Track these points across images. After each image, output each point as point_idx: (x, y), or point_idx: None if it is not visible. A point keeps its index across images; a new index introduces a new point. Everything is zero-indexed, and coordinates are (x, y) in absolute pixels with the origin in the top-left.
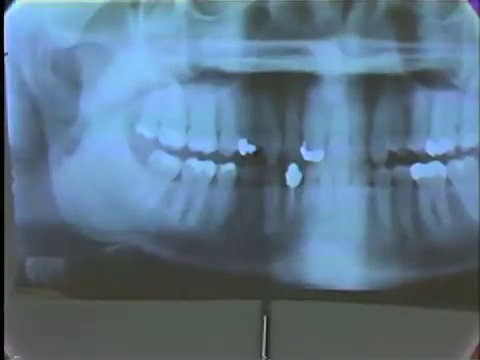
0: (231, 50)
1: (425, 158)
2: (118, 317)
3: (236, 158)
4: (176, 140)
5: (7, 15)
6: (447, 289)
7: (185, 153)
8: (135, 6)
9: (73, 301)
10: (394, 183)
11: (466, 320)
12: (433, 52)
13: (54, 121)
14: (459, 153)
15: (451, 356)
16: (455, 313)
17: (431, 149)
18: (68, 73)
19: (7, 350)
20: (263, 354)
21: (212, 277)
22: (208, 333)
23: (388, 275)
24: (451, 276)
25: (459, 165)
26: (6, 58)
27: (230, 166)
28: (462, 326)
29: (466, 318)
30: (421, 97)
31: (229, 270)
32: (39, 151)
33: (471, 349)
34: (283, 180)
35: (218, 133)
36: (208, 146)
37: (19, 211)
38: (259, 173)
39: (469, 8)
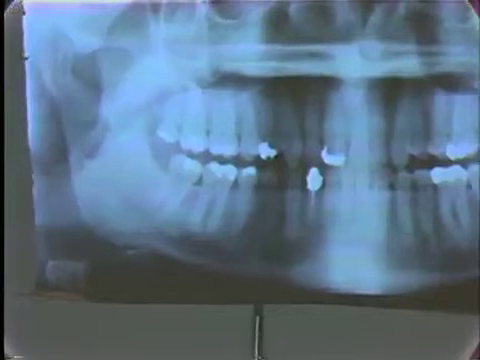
0: (251, 54)
1: (445, 162)
2: (138, 320)
3: (257, 162)
4: (197, 144)
5: (25, 19)
6: (468, 293)
7: (206, 157)
8: (156, 10)
9: (92, 304)
10: (414, 187)
11: (466, 320)
12: (453, 55)
13: (75, 125)
14: None
15: (451, 356)
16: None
17: (451, 153)
18: (89, 77)
19: (7, 350)
20: (256, 354)
21: (232, 281)
22: (203, 333)
23: (408, 279)
24: (472, 280)
25: None
26: (26, 62)
27: (251, 170)
28: (462, 326)
29: (466, 318)
30: (441, 100)
31: (249, 274)
32: (60, 155)
33: (471, 350)
34: (304, 184)
35: (239, 137)
36: (229, 150)
37: (39, 214)
38: (280, 177)
39: None
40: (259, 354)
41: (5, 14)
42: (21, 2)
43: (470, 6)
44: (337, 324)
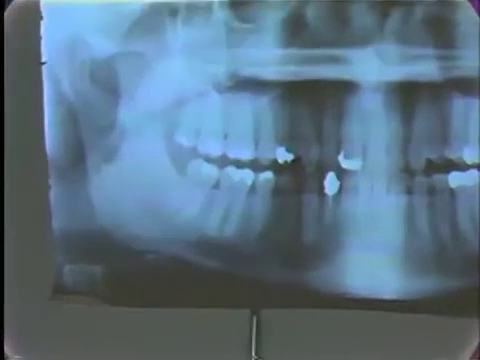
0: (269, 58)
1: (463, 166)
2: (154, 323)
3: (274, 166)
4: (214, 148)
5: (44, 24)
6: None
7: (223, 161)
8: (173, 15)
9: (109, 308)
10: (432, 191)
11: (466, 321)
12: (471, 59)
13: (93, 130)
14: None
15: (451, 356)
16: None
17: (469, 157)
18: (106, 82)
19: (7, 350)
20: (253, 354)
21: (249, 285)
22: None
23: (426, 284)
24: None
25: None
26: (44, 67)
27: (268, 174)
28: (462, 327)
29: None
30: (459, 105)
31: (267, 278)
32: (77, 159)
33: (471, 350)
34: (321, 188)
35: (256, 141)
36: (246, 154)
37: (57, 219)
38: (297, 181)
39: None
40: (256, 354)
41: (5, 14)
42: (39, 7)
43: (470, 6)
44: (345, 326)
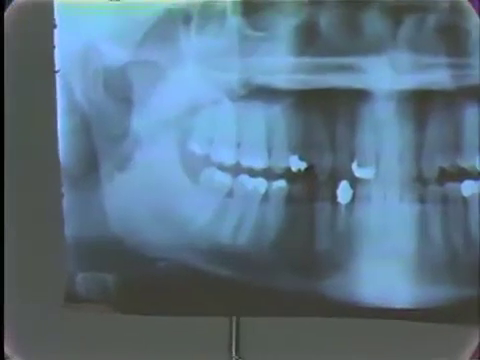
0: (282, 67)
1: (476, 174)
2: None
3: (287, 175)
4: (228, 157)
5: (57, 32)
6: None
7: (237, 170)
8: (187, 23)
9: (122, 316)
10: (445, 200)
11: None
12: None
13: (106, 138)
14: None
15: (451, 356)
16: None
17: None
18: (120, 90)
19: (7, 350)
20: (233, 353)
21: (262, 294)
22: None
23: (439, 292)
24: None
25: None
26: (57, 76)
27: (281, 183)
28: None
29: None
30: (472, 113)
31: (279, 287)
32: (90, 168)
33: (471, 350)
34: (334, 197)
35: (269, 150)
36: (259, 163)
37: (69, 227)
38: (310, 190)
39: None
40: (236, 354)
41: (5, 14)
42: (53, 15)
43: (470, 6)
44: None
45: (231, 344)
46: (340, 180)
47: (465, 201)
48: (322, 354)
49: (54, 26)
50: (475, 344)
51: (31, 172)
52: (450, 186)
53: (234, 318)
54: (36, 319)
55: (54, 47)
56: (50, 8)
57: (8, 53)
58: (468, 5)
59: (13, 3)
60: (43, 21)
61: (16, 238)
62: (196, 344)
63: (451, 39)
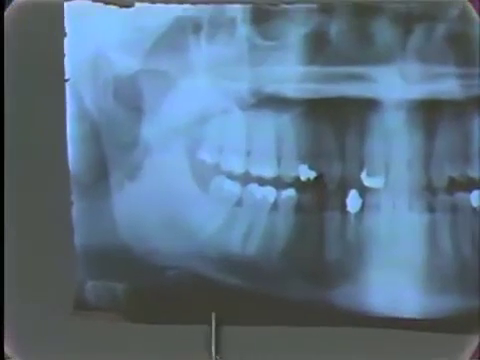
0: (292, 76)
1: None
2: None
3: (297, 184)
4: (237, 165)
5: (67, 41)
6: None
7: (246, 178)
8: (196, 32)
9: (132, 325)
10: (454, 209)
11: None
12: None
13: (116, 146)
14: None
15: (451, 356)
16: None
17: None
18: (130, 99)
19: (7, 350)
20: (214, 353)
21: (272, 303)
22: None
23: (447, 302)
24: None
25: None
26: (67, 84)
27: (291, 192)
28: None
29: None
30: None
31: (288, 296)
32: (100, 176)
33: (471, 350)
34: (343, 206)
35: (279, 159)
36: (269, 171)
37: (79, 235)
38: (319, 199)
39: None
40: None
41: (5, 14)
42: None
43: (470, 6)
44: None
45: (211, 347)
46: (349, 189)
47: (474, 211)
48: (309, 355)
49: (64, 35)
50: (475, 344)
51: (31, 172)
52: (459, 196)
53: (213, 316)
54: (36, 319)
55: (59, 50)
56: (50, 8)
57: (8, 53)
58: (476, 15)
59: (13, 3)
60: (43, 21)
61: (16, 238)
62: (179, 348)
63: (460, 49)
